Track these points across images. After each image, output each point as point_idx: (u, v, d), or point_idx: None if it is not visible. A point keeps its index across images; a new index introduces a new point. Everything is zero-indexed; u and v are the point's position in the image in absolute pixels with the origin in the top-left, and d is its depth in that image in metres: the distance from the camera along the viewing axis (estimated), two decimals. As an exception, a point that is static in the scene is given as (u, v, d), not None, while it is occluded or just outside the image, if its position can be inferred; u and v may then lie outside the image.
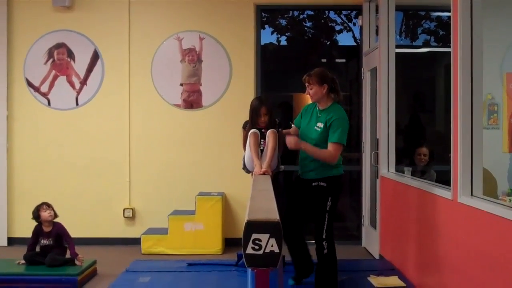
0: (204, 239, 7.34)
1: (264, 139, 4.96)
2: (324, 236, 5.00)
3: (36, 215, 6.11)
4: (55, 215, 6.16)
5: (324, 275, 5.10)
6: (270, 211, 2.74)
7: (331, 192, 5.02)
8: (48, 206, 6.15)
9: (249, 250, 2.39)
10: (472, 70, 4.26)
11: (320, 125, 5.02)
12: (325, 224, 4.98)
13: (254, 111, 5.01)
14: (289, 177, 7.58)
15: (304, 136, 5.14)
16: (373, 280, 5.67)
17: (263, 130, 4.98)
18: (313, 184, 5.03)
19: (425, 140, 7.80)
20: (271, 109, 5.03)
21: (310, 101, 5.32)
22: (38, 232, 6.12)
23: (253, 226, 2.41)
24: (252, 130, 4.97)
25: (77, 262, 6.00)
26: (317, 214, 5.01)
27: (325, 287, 5.11)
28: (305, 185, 5.11)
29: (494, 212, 3.70)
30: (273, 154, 4.87)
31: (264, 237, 2.39)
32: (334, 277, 5.12)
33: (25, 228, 6.70)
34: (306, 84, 5.11)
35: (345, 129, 5.01)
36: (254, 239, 2.39)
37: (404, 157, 7.10)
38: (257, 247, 2.39)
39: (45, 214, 6.08)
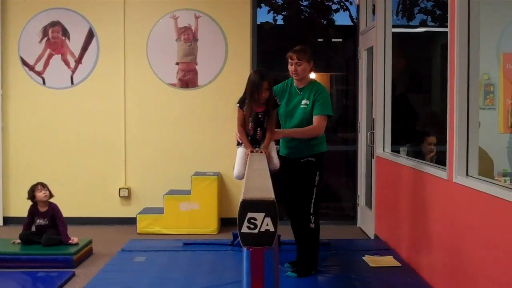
0: (199, 218, 7.35)
1: (261, 127, 4.73)
2: (311, 211, 5.05)
3: (31, 195, 6.10)
4: (51, 195, 6.15)
5: (308, 250, 5.13)
6: (265, 190, 2.73)
7: (319, 167, 5.10)
8: (43, 186, 6.13)
9: (244, 229, 2.38)
10: (469, 50, 4.25)
11: (307, 102, 5.04)
12: (313, 198, 5.04)
13: (255, 86, 4.59)
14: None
15: (288, 117, 5.12)
16: (368, 259, 5.70)
17: (260, 116, 4.70)
18: (302, 160, 5.06)
19: (416, 121, 7.81)
20: (271, 83, 4.69)
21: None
22: (33, 212, 6.12)
23: (248, 205, 2.40)
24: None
25: (71, 242, 6.00)
26: (305, 189, 5.05)
27: (307, 262, 5.15)
28: (292, 163, 5.12)
29: (489, 192, 3.71)
30: (272, 137, 4.77)
31: (259, 216, 2.38)
32: (316, 253, 5.17)
33: (21, 207, 6.69)
34: (294, 61, 5.05)
35: (329, 101, 5.09)
36: (249, 218, 2.38)
37: (399, 137, 7.10)
38: (252, 226, 2.38)
39: (40, 194, 6.07)
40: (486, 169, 5.12)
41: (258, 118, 4.70)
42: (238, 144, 4.86)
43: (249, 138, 4.75)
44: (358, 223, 7.88)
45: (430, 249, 4.94)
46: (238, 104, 4.74)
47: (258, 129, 4.74)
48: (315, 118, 5.01)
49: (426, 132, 6.51)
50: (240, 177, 4.67)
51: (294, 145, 5.13)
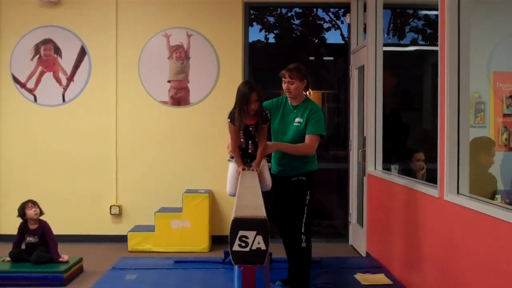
0: (191, 236, 7.33)
1: (252, 140, 4.69)
2: (302, 230, 5.02)
3: (22, 212, 6.07)
4: (41, 213, 6.13)
5: (300, 269, 5.11)
6: (256, 208, 2.74)
7: (309, 186, 5.08)
8: (34, 203, 6.11)
9: (236, 247, 2.38)
10: (459, 69, 4.27)
11: (300, 120, 5.04)
12: (304, 218, 5.02)
13: (244, 97, 4.52)
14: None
15: (280, 134, 5.12)
16: (360, 277, 5.69)
17: (250, 129, 4.65)
18: (293, 179, 5.06)
19: (409, 138, 7.84)
20: (261, 95, 4.61)
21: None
22: (23, 230, 6.09)
23: (240, 223, 2.40)
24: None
25: (61, 260, 5.97)
26: (296, 208, 5.03)
27: (299, 281, 5.13)
28: (283, 181, 5.12)
29: (480, 210, 3.72)
30: (263, 154, 4.73)
31: (251, 234, 2.38)
32: (308, 272, 5.14)
33: (11, 225, 6.64)
34: (286, 79, 5.05)
35: (323, 121, 5.07)
36: (241, 236, 2.38)
37: (391, 155, 7.11)
38: (243, 244, 2.38)
39: (30, 212, 6.05)
40: (491, 189, 5.13)
41: (249, 131, 4.67)
42: (230, 158, 4.84)
43: (241, 152, 4.73)
44: (349, 241, 7.87)
45: (421, 267, 4.94)
46: (229, 119, 4.68)
47: (250, 142, 4.71)
48: (307, 137, 5.01)
49: (414, 149, 6.52)
50: (233, 194, 4.65)
51: (284, 162, 5.12)
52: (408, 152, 6.81)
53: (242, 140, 4.70)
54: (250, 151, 4.73)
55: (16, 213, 6.09)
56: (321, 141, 5.17)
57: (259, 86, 4.65)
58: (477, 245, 3.80)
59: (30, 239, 6.05)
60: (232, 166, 4.80)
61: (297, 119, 5.06)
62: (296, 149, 5.00)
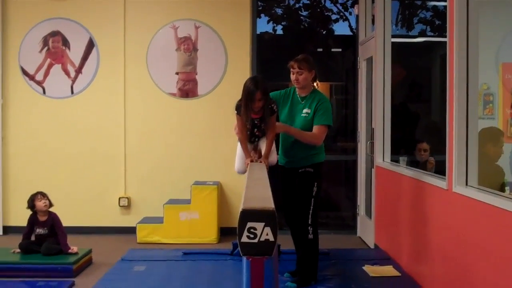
0: (199, 228, 7.34)
1: (258, 128, 4.74)
2: (309, 222, 5.03)
3: (31, 204, 6.10)
4: (50, 204, 6.15)
5: (307, 261, 5.12)
6: (265, 199, 2.74)
7: (317, 177, 5.09)
8: (43, 195, 6.13)
9: (244, 239, 2.39)
10: (468, 60, 4.26)
11: (308, 111, 5.06)
12: (311, 209, 5.03)
13: (248, 95, 4.54)
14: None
15: (288, 124, 5.14)
16: (368, 269, 5.69)
17: (256, 122, 4.69)
18: (300, 170, 5.07)
19: (417, 130, 7.82)
20: (266, 93, 4.61)
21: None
22: (33, 221, 6.12)
23: (248, 215, 2.41)
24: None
25: (70, 251, 6.00)
26: (303, 200, 5.04)
27: (307, 273, 5.14)
28: (290, 173, 5.14)
29: (489, 202, 3.71)
30: (271, 146, 4.77)
31: (259, 225, 2.38)
32: (316, 264, 5.15)
33: (20, 217, 6.69)
34: (295, 70, 5.08)
35: (331, 111, 5.11)
36: (249, 228, 2.39)
37: (399, 146, 7.10)
38: (252, 236, 2.38)
39: (39, 203, 6.07)
40: (499, 180, 5.13)
41: (254, 123, 4.71)
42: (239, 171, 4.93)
43: (248, 132, 4.76)
44: (358, 232, 7.87)
45: (430, 258, 4.93)
46: (236, 111, 4.72)
47: (255, 129, 4.75)
48: (315, 128, 5.02)
49: (419, 140, 6.52)
50: (241, 171, 4.81)
51: (292, 153, 5.13)
52: (412, 142, 6.81)
53: (248, 127, 4.73)
54: (256, 134, 4.79)
55: (25, 205, 6.12)
56: (329, 133, 5.18)
57: (265, 82, 4.64)
58: (485, 237, 3.80)
59: (39, 230, 6.08)
60: (239, 147, 4.86)
61: (305, 110, 5.07)
62: (304, 136, 5.00)
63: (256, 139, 4.81)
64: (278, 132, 4.99)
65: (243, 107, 4.62)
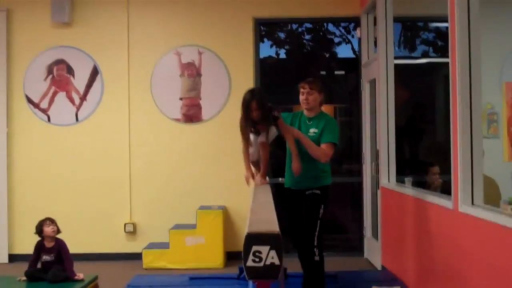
0: (205, 253, 7.33)
1: (258, 134, 4.79)
2: (315, 243, 5.01)
3: (39, 230, 6.08)
4: (58, 231, 6.14)
5: (314, 283, 5.09)
6: (270, 222, 2.74)
7: (323, 200, 5.08)
8: (52, 221, 6.12)
9: (250, 263, 2.38)
10: (471, 80, 4.27)
11: (315, 130, 5.09)
12: (317, 231, 5.01)
13: (245, 105, 4.67)
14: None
15: (296, 143, 5.15)
16: (376, 291, 5.66)
17: (256, 135, 4.82)
18: (307, 192, 5.07)
19: (422, 150, 7.81)
20: (262, 102, 4.64)
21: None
22: (40, 248, 6.09)
23: (253, 238, 2.40)
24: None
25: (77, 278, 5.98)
26: (309, 221, 5.03)
27: None
28: (297, 195, 5.14)
29: (495, 220, 3.69)
30: (266, 165, 4.82)
31: (264, 249, 2.38)
32: (322, 286, 5.12)
33: (26, 244, 6.68)
34: (306, 90, 5.14)
35: (338, 131, 5.16)
36: (255, 252, 2.38)
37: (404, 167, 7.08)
38: (257, 260, 2.38)
39: (48, 229, 6.06)
40: (494, 195, 5.12)
41: (258, 130, 4.80)
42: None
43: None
44: (365, 254, 7.84)
45: (437, 279, 4.90)
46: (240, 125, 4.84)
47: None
48: (322, 146, 5.04)
49: (430, 162, 6.48)
50: (256, 159, 4.88)
51: (300, 175, 5.13)
52: (422, 164, 6.78)
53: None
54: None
55: (30, 233, 6.11)
56: (334, 155, 5.17)
57: (261, 92, 4.80)
58: (493, 257, 3.78)
59: (46, 257, 6.05)
60: (251, 136, 4.88)
61: (312, 129, 5.11)
62: (313, 148, 5.01)
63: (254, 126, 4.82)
64: (291, 133, 5.00)
65: (242, 118, 4.75)
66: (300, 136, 5.03)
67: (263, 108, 4.65)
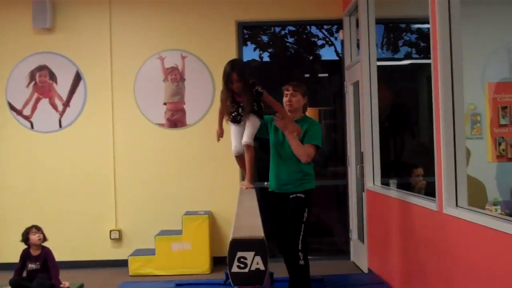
0: (191, 258, 7.30)
1: (242, 108, 4.68)
2: (300, 247, 5.00)
3: (25, 238, 6.06)
4: (44, 239, 6.11)
5: (299, 287, 5.08)
6: (255, 228, 2.73)
7: (307, 203, 5.08)
8: (38, 229, 6.10)
9: (235, 269, 2.37)
10: (453, 81, 4.28)
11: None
12: (301, 235, 5.00)
13: (226, 77, 4.61)
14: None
15: (279, 145, 5.17)
16: (363, 294, 5.66)
17: (241, 104, 4.69)
18: (291, 196, 5.06)
19: (405, 152, 7.83)
20: (243, 74, 4.59)
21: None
22: (26, 256, 6.06)
23: (238, 244, 2.40)
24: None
25: (62, 286, 5.94)
26: (293, 225, 5.02)
27: None
28: (281, 198, 5.14)
29: (479, 222, 3.71)
30: (251, 168, 4.77)
31: (249, 255, 2.37)
32: None
33: (11, 253, 6.63)
34: (289, 92, 5.17)
35: (320, 134, 5.16)
36: (239, 257, 2.38)
37: (389, 170, 7.10)
38: (242, 265, 2.37)
39: (34, 237, 6.03)
40: (480, 194, 5.15)
41: (239, 104, 4.72)
42: (230, 122, 4.86)
43: (235, 112, 4.75)
44: (351, 257, 7.84)
45: (423, 281, 4.91)
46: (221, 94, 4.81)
47: (240, 109, 4.73)
48: (305, 146, 5.05)
49: (414, 164, 6.51)
50: (239, 151, 4.82)
51: (284, 178, 5.13)
52: (406, 166, 6.80)
53: (234, 108, 4.75)
54: (234, 113, 4.76)
55: (14, 241, 6.07)
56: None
57: (241, 63, 4.90)
58: (477, 257, 3.79)
59: (31, 266, 6.02)
60: (232, 127, 4.84)
61: (295, 134, 5.09)
62: (296, 144, 5.00)
63: (241, 118, 4.76)
64: (281, 128, 5.01)
65: (223, 89, 4.71)
66: (289, 131, 5.01)
67: (244, 80, 4.60)
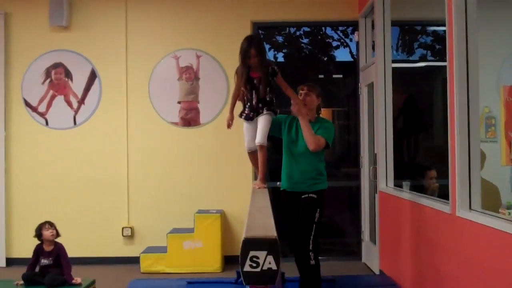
0: (203, 257, 7.32)
1: (256, 90, 4.66)
2: (310, 247, 5.00)
3: (38, 233, 6.08)
4: (57, 234, 6.13)
5: (311, 287, 5.08)
6: (267, 227, 2.73)
7: (320, 204, 5.09)
8: (51, 225, 6.12)
9: (247, 268, 2.37)
10: (468, 84, 4.27)
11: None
12: (312, 235, 5.00)
13: (243, 53, 4.62)
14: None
15: (292, 144, 5.17)
16: (374, 295, 5.65)
17: (255, 81, 4.65)
18: (303, 196, 5.06)
19: (419, 154, 7.80)
20: (261, 50, 4.64)
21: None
22: (39, 251, 6.08)
23: (250, 243, 2.40)
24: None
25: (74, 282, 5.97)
26: (304, 225, 5.03)
27: None
28: (293, 198, 5.14)
29: (493, 225, 3.69)
30: (264, 168, 4.76)
31: (261, 254, 2.37)
32: None
33: (24, 248, 6.67)
34: (304, 91, 5.20)
35: (333, 133, 5.18)
36: (252, 257, 2.38)
37: (402, 171, 7.08)
38: (254, 265, 2.37)
39: (47, 233, 6.05)
40: (493, 198, 5.12)
41: (253, 83, 4.68)
42: (241, 115, 4.86)
43: (248, 105, 4.75)
44: (362, 258, 7.83)
45: (435, 284, 4.90)
46: (235, 74, 4.81)
47: (253, 91, 4.70)
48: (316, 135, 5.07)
49: (427, 166, 6.48)
50: (252, 148, 4.81)
51: (297, 177, 5.13)
52: (419, 168, 6.77)
53: (247, 92, 4.73)
54: (254, 101, 4.72)
55: (28, 237, 6.10)
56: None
57: (260, 40, 4.83)
58: (490, 261, 3.77)
59: (44, 261, 6.05)
60: (245, 124, 4.85)
61: None
62: (310, 132, 5.01)
63: (255, 114, 4.74)
64: (295, 112, 5.03)
65: (240, 65, 4.70)
66: (303, 117, 5.01)
67: (261, 55, 4.62)
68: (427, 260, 5.10)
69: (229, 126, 4.85)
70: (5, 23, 7.90)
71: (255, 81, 4.67)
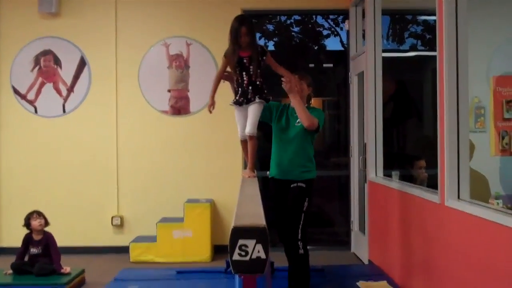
0: (193, 246, 7.32)
1: (246, 71, 4.62)
2: (299, 236, 5.01)
3: (27, 223, 6.09)
4: (46, 224, 6.13)
5: (299, 277, 5.09)
6: (256, 216, 2.72)
7: (308, 193, 5.08)
8: (39, 214, 6.12)
9: (236, 257, 2.37)
10: (458, 74, 4.27)
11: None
12: (301, 224, 5.01)
13: (233, 31, 4.62)
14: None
15: (282, 132, 5.16)
16: (362, 285, 5.66)
17: (245, 61, 4.61)
18: (292, 185, 5.06)
19: (409, 144, 7.82)
20: (252, 29, 4.63)
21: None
22: (28, 241, 6.09)
23: (239, 232, 2.39)
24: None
25: (63, 271, 5.96)
26: (293, 214, 5.03)
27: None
28: (282, 187, 5.13)
29: (481, 215, 3.70)
30: (254, 157, 4.75)
31: (250, 243, 2.37)
32: (308, 279, 5.11)
33: (13, 237, 6.66)
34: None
35: (323, 119, 5.17)
36: (241, 245, 2.37)
37: (392, 161, 7.09)
38: (243, 253, 2.37)
39: (35, 223, 6.05)
40: (483, 188, 5.14)
41: (243, 63, 4.65)
42: (232, 104, 4.84)
43: (239, 89, 4.72)
44: (352, 248, 7.85)
45: (424, 273, 4.92)
46: (224, 56, 4.78)
47: (244, 73, 4.67)
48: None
49: (416, 156, 6.49)
50: (244, 137, 4.78)
51: (286, 165, 5.12)
52: (408, 158, 6.78)
53: (237, 73, 4.70)
54: (245, 83, 4.68)
55: (17, 226, 6.09)
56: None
57: (250, 20, 4.74)
58: (478, 250, 3.79)
59: (33, 250, 6.05)
60: (236, 112, 4.83)
61: (298, 121, 5.09)
62: (303, 109, 4.97)
63: (245, 100, 4.71)
64: (287, 89, 4.95)
65: (230, 44, 4.68)
66: (296, 94, 4.98)
67: (252, 34, 4.62)
68: (416, 250, 5.12)
69: (210, 111, 4.82)
70: (-7, 10, 7.85)
71: (245, 60, 4.63)
